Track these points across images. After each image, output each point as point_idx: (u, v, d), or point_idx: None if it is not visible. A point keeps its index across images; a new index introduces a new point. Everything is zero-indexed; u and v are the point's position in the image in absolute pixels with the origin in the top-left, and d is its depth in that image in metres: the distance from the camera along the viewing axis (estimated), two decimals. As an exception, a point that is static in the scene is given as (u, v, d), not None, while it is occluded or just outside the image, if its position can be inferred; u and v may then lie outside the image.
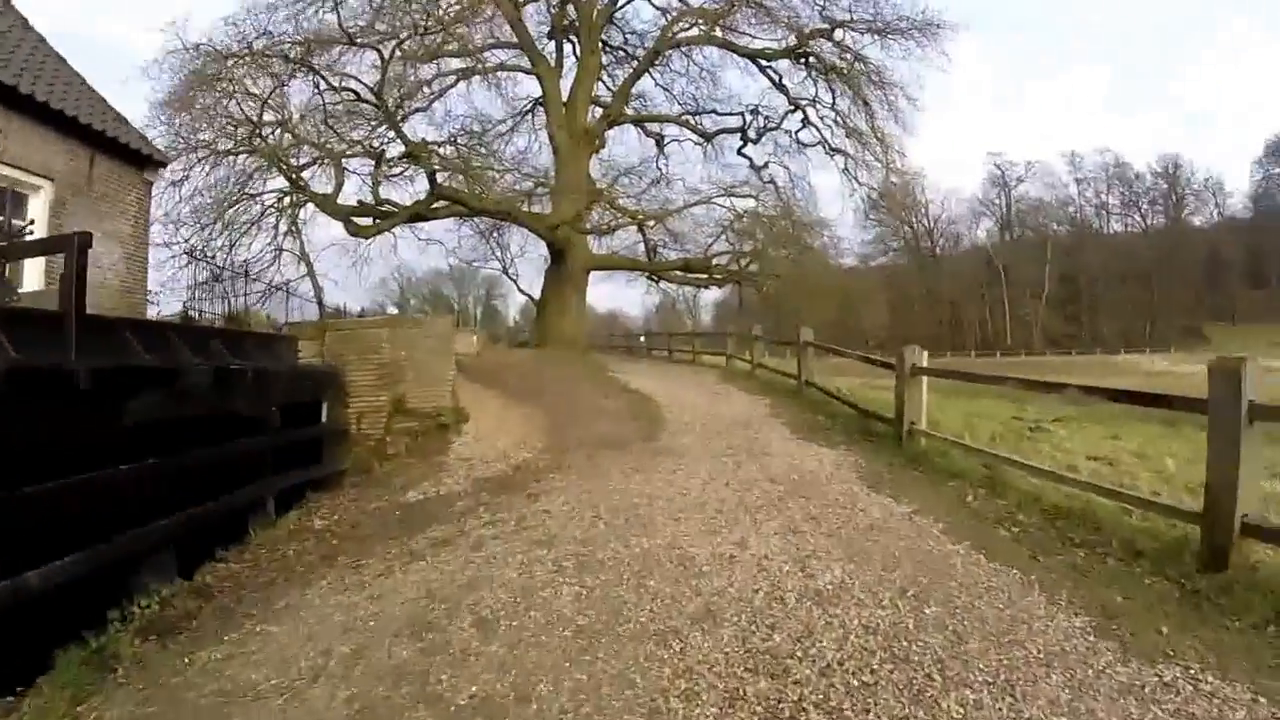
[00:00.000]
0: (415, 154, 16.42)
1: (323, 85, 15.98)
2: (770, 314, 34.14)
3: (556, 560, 4.05)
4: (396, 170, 17.92)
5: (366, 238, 18.46)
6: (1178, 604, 3.07)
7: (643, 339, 27.16)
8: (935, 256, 73.48)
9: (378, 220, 18.05)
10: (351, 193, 18.95)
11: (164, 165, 11.08)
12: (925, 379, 5.83)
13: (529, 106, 24.01)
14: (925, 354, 5.73)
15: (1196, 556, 3.24)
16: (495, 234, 27.50)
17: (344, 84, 16.32)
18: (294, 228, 20.56)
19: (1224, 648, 2.70)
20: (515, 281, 30.61)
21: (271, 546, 4.93)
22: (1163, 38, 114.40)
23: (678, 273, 22.57)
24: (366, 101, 16.38)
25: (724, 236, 22.05)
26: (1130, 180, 73.91)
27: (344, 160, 17.42)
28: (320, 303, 22.79)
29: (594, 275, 25.26)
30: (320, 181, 17.62)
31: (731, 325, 16.51)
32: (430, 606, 3.56)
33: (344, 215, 18.01)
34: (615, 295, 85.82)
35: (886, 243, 68.10)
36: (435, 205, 19.28)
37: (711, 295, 47.06)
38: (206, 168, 16.13)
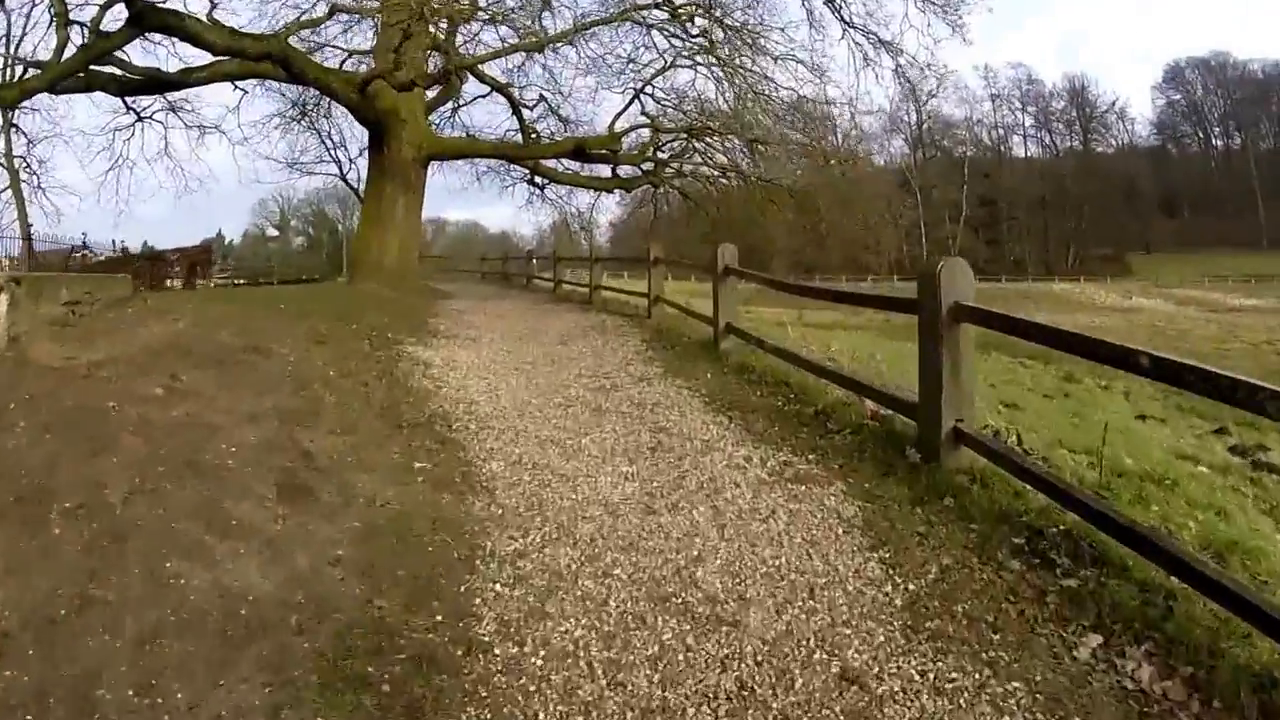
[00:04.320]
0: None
1: None
2: (693, 235, 25.24)
3: None
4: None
5: (7, 105, 10.46)
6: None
7: (533, 261, 20.24)
8: (844, 175, 68.06)
9: (22, 77, 10.01)
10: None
11: None
12: None
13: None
14: None
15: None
16: (315, 117, 19.28)
17: None
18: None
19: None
20: (356, 192, 22.49)
21: None
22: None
23: (565, 166, 15.27)
24: None
25: (638, 104, 14.66)
26: (1045, 99, 71.20)
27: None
28: (28, 238, 14.96)
29: (468, 184, 17.90)
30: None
31: (656, 246, 9.50)
32: None
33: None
34: (511, 216, 75.68)
35: (795, 161, 61.18)
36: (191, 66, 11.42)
37: (608, 213, 39.85)
38: None
